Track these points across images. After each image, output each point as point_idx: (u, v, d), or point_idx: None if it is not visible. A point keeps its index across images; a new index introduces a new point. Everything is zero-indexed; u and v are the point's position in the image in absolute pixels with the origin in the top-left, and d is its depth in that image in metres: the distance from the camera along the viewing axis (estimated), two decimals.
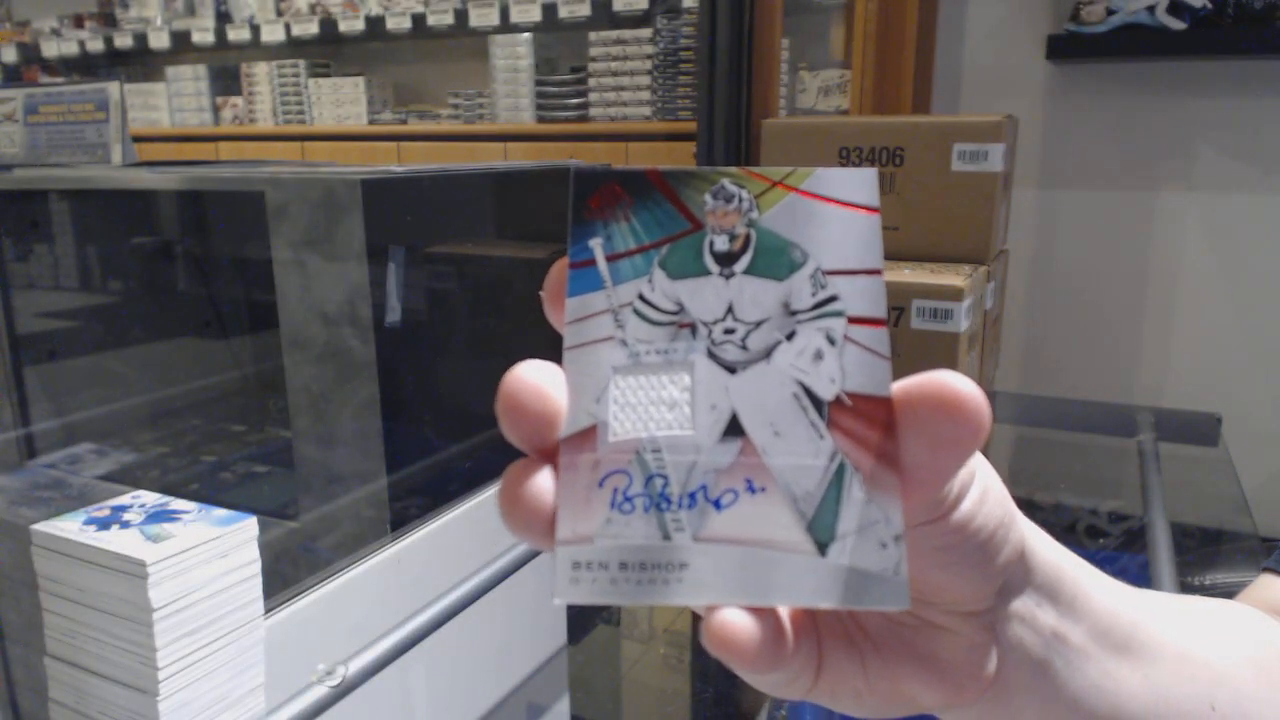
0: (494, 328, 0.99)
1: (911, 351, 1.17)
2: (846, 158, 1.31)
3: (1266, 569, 0.37)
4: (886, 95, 1.90)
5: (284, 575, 0.75)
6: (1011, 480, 0.29)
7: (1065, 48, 1.91)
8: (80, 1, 3.94)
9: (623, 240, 0.23)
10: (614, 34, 2.71)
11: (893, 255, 1.30)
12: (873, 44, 1.87)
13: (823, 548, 0.22)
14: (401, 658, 0.62)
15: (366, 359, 0.81)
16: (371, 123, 3.28)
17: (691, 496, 0.23)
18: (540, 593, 0.87)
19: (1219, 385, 1.95)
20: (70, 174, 1.15)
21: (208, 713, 0.50)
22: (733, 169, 0.23)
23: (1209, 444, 1.33)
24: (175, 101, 3.72)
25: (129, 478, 1.10)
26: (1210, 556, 1.05)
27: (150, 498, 0.53)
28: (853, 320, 0.23)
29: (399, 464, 0.84)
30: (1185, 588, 0.77)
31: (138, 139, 1.25)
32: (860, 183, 0.23)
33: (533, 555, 0.78)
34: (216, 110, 3.65)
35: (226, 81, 3.65)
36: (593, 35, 2.74)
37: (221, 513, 0.52)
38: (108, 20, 3.84)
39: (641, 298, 0.23)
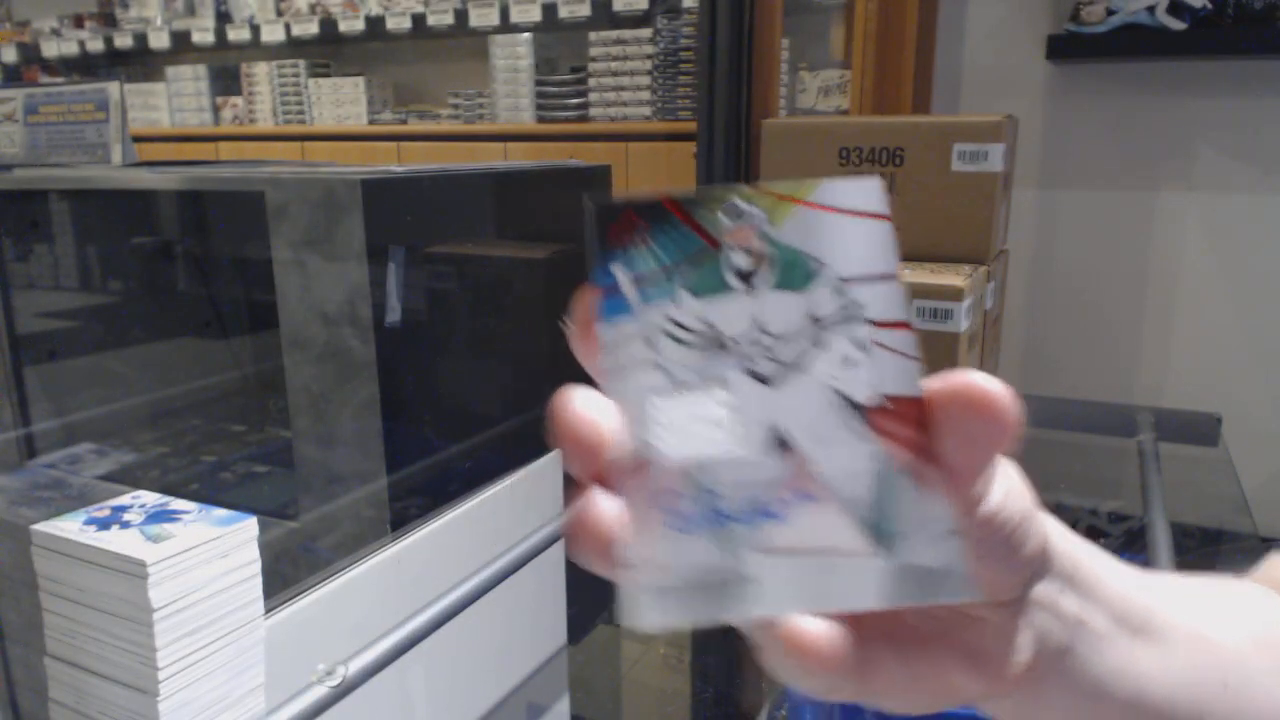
0: (494, 328, 0.99)
1: None
2: (846, 158, 1.31)
3: (1276, 549, 0.38)
4: (886, 95, 1.90)
5: (284, 575, 0.75)
6: None
7: (1065, 48, 1.91)
8: (80, 1, 3.94)
9: (645, 265, 0.24)
10: (614, 34, 2.71)
11: None
12: (873, 44, 1.87)
13: (883, 549, 0.23)
14: (401, 658, 0.62)
15: (366, 359, 0.81)
16: (371, 123, 3.28)
17: (747, 511, 0.23)
18: (540, 593, 0.87)
19: (1219, 385, 1.95)
20: (70, 174, 1.15)
21: (208, 713, 0.50)
22: (741, 186, 0.24)
23: (1209, 444, 1.33)
24: (175, 101, 3.72)
25: (129, 478, 1.10)
26: (1210, 556, 1.05)
27: (150, 498, 0.53)
28: (877, 325, 0.24)
29: (399, 464, 0.84)
30: None
31: (138, 139, 1.25)
32: (867, 192, 0.24)
33: (533, 555, 0.78)
34: (216, 110, 3.65)
35: (226, 81, 3.65)
36: (593, 35, 2.74)
37: (221, 513, 0.52)
38: (108, 20, 3.85)
39: (671, 320, 0.23)
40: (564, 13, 2.82)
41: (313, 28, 3.30)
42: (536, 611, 0.87)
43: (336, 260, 0.81)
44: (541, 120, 2.88)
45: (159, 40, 3.61)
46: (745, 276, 0.24)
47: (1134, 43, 1.84)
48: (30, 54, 4.03)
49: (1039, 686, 0.27)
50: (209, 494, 1.07)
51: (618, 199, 0.23)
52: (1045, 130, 2.02)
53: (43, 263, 1.19)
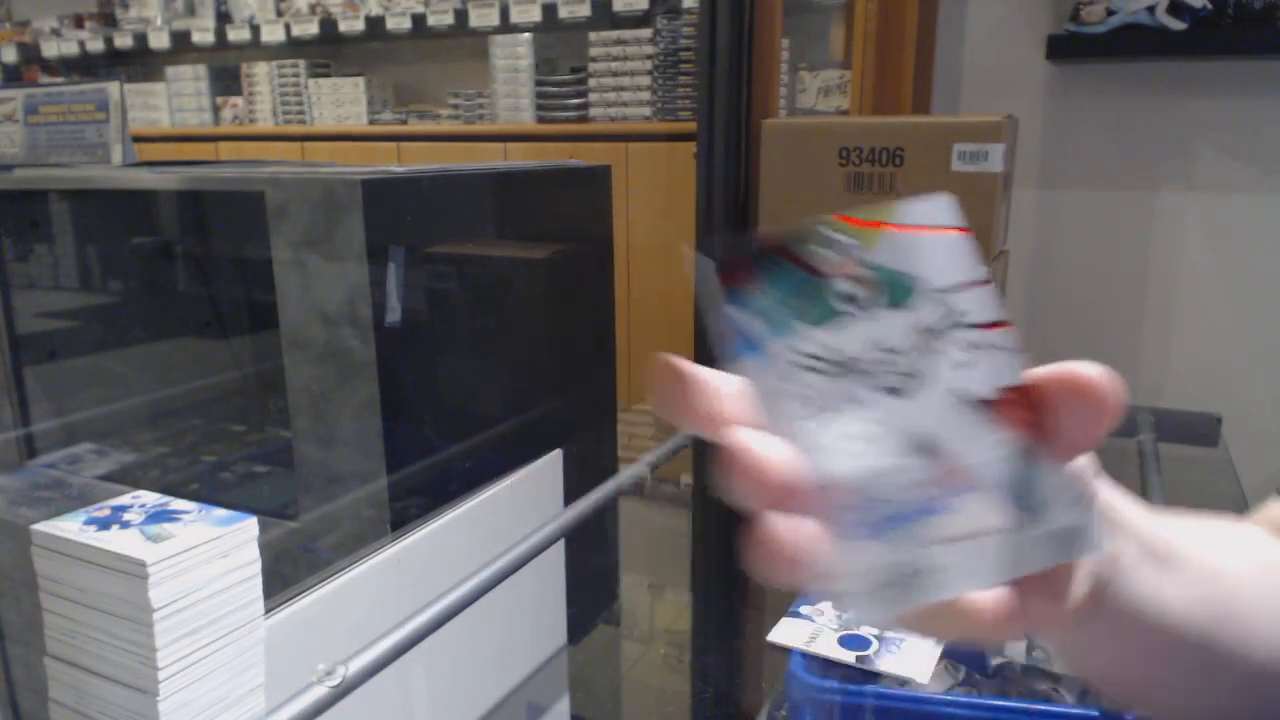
0: (494, 328, 0.99)
1: None
2: (846, 158, 1.31)
3: (1277, 492, 0.43)
4: (886, 95, 1.90)
5: (284, 575, 0.75)
6: None
7: (1065, 48, 1.91)
8: (80, 1, 3.94)
9: (764, 306, 0.26)
10: (614, 34, 2.71)
11: None
12: (873, 44, 1.87)
13: (1029, 520, 0.26)
14: (401, 658, 0.62)
15: (366, 359, 0.81)
16: (371, 123, 3.28)
17: (912, 510, 0.26)
18: (540, 593, 0.87)
19: (1219, 385, 1.95)
20: (70, 174, 1.15)
21: (208, 713, 0.50)
22: (830, 219, 0.26)
23: (1209, 444, 1.33)
24: (175, 101, 3.72)
25: (129, 478, 1.10)
26: None
27: (150, 498, 0.53)
28: (979, 327, 0.26)
29: (399, 464, 0.84)
30: None
31: (138, 139, 1.25)
32: (940, 208, 0.26)
33: (533, 555, 0.78)
34: (216, 110, 3.65)
35: (226, 81, 3.65)
36: (593, 35, 2.73)
37: (221, 513, 0.52)
38: (108, 20, 3.84)
39: (798, 351, 0.26)
40: (564, 13, 2.82)
41: (313, 28, 3.30)
42: (536, 611, 0.87)
43: (336, 260, 0.81)
44: (541, 120, 2.88)
45: (159, 40, 3.61)
46: (854, 301, 0.26)
47: (1134, 43, 1.84)
48: (30, 54, 4.03)
49: (1087, 615, 0.29)
50: (209, 494, 1.07)
51: (728, 250, 0.26)
52: (1045, 130, 2.02)
53: (43, 263, 1.19)
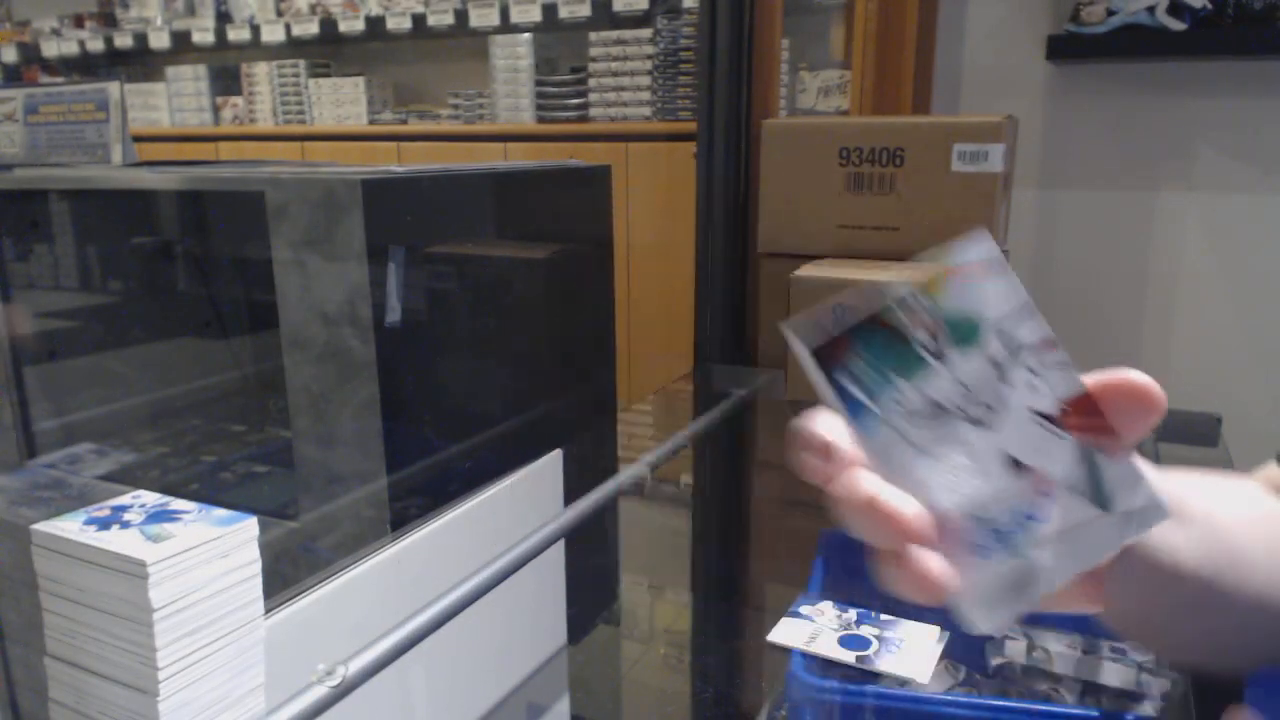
0: (494, 328, 0.99)
1: None
2: (846, 158, 1.31)
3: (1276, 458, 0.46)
4: (886, 95, 1.90)
5: (284, 575, 0.75)
6: None
7: (1065, 48, 1.91)
8: (80, 1, 3.94)
9: (862, 369, 0.30)
10: (614, 34, 2.71)
11: (893, 255, 1.30)
12: (873, 44, 1.87)
13: (1107, 507, 0.31)
14: (401, 658, 0.62)
15: (366, 359, 0.81)
16: (371, 123, 3.28)
17: (1017, 522, 0.31)
18: (540, 593, 0.87)
19: (1219, 385, 1.95)
20: (70, 174, 1.15)
21: (208, 713, 0.50)
22: (896, 280, 0.30)
23: (1209, 444, 1.33)
24: (175, 101, 3.72)
25: (129, 478, 1.10)
26: None
27: (150, 498, 0.53)
28: (1038, 348, 0.31)
29: (399, 464, 0.84)
30: None
31: (138, 139, 1.25)
32: (981, 246, 0.30)
33: (533, 555, 0.78)
34: (216, 110, 3.65)
35: (226, 81, 3.65)
36: (593, 35, 2.73)
37: (222, 513, 0.52)
38: (108, 20, 3.84)
39: (898, 404, 0.30)
40: (564, 13, 2.82)
41: (313, 28, 3.30)
42: (536, 611, 0.87)
43: (336, 260, 0.81)
44: (541, 120, 2.88)
45: (159, 40, 3.61)
46: (934, 350, 0.30)
47: (1134, 43, 1.84)
48: (30, 54, 4.03)
49: (1118, 572, 0.34)
50: (209, 494, 1.07)
51: (819, 330, 0.30)
52: (1045, 130, 2.02)
53: (43, 263, 1.19)
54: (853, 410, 0.30)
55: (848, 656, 0.76)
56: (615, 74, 2.72)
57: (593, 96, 2.78)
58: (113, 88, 1.16)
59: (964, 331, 0.30)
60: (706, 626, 1.14)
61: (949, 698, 0.74)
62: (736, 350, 1.52)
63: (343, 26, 3.23)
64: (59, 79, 3.83)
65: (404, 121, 3.23)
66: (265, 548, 0.52)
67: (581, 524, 0.86)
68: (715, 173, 1.47)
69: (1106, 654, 0.77)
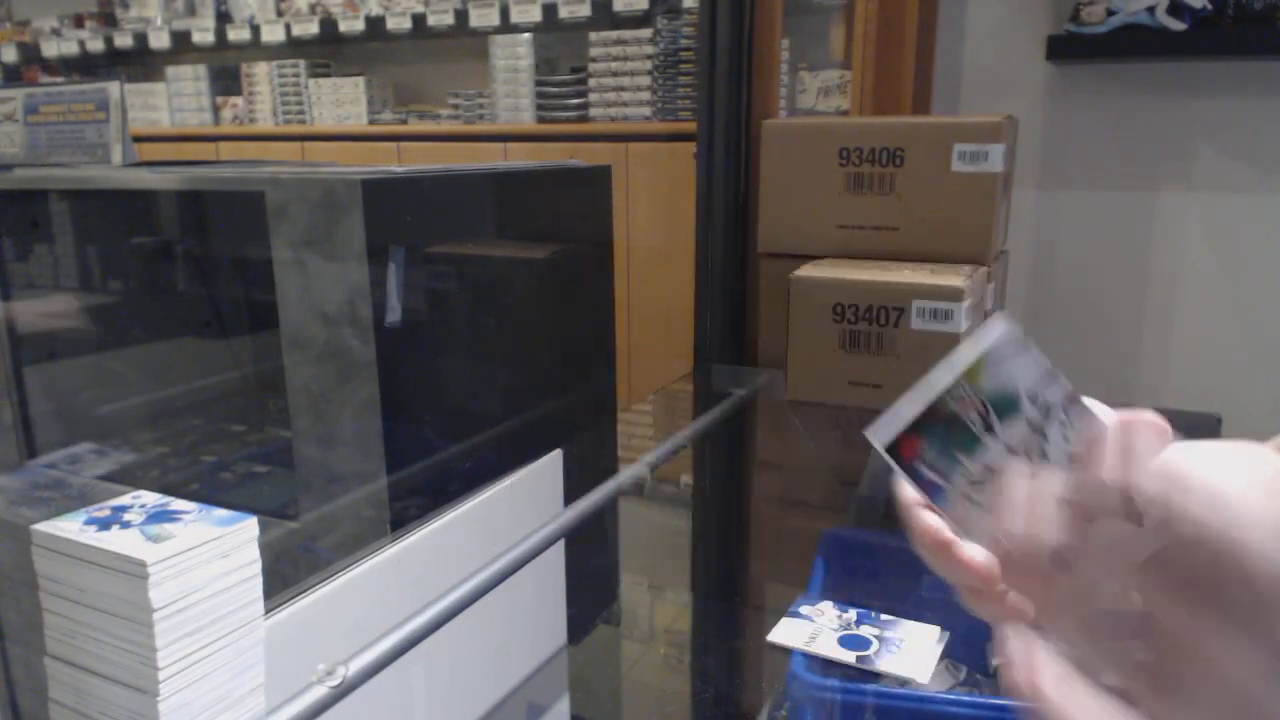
0: (494, 328, 0.99)
1: (912, 352, 1.17)
2: (846, 158, 1.31)
3: None
4: (886, 96, 1.90)
5: (284, 575, 0.75)
6: None
7: (1065, 48, 1.91)
8: (80, 1, 3.94)
9: (934, 458, 0.36)
10: (614, 34, 2.71)
11: (893, 256, 1.30)
12: (873, 44, 1.87)
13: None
14: (401, 658, 0.62)
15: (366, 359, 0.81)
16: (371, 123, 3.28)
17: None
18: (540, 593, 0.87)
19: (1219, 385, 1.95)
20: (70, 174, 1.15)
21: (208, 713, 0.50)
22: (944, 374, 0.36)
23: None
24: (175, 101, 3.72)
25: (129, 478, 1.10)
26: None
27: (150, 498, 0.53)
28: (1065, 403, 0.35)
29: (399, 464, 0.84)
30: None
31: (138, 139, 1.25)
32: (999, 326, 0.35)
33: (533, 555, 0.78)
34: (216, 110, 3.65)
35: (226, 81, 3.65)
36: (593, 35, 2.73)
37: (222, 513, 0.52)
38: (108, 20, 3.84)
39: (967, 480, 0.36)
40: (564, 13, 2.82)
41: (313, 28, 3.30)
42: (536, 611, 0.87)
43: (336, 260, 0.81)
44: (541, 120, 2.88)
45: (159, 40, 3.61)
46: (986, 427, 0.36)
47: (1134, 43, 1.84)
48: (30, 54, 4.03)
49: None
50: (209, 494, 1.07)
51: (891, 427, 0.36)
52: (1045, 130, 2.02)
53: (43, 263, 1.19)
54: (932, 492, 0.36)
55: (848, 656, 0.76)
56: (615, 74, 2.72)
57: (593, 96, 2.78)
58: (113, 88, 1.16)
59: (1005, 405, 0.36)
60: (706, 626, 1.14)
61: (950, 696, 0.74)
62: (736, 350, 1.52)
63: (343, 26, 3.23)
64: (59, 79, 3.83)
65: (404, 121, 3.23)
66: (265, 548, 0.52)
67: (581, 524, 0.86)
68: (715, 173, 1.47)
69: None
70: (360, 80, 3.28)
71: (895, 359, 1.18)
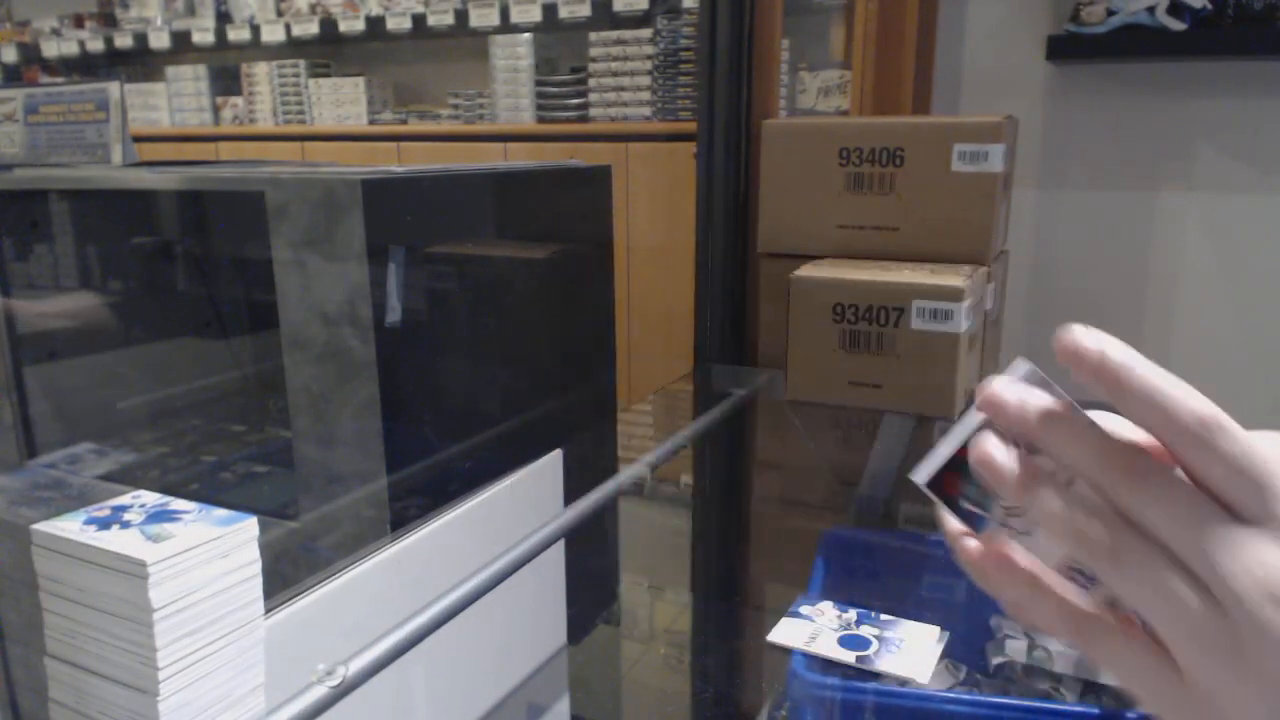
0: (494, 328, 0.99)
1: (911, 352, 1.17)
2: (846, 158, 1.31)
3: None
4: (886, 96, 1.90)
5: (284, 575, 0.75)
6: None
7: (1065, 48, 1.91)
8: (80, 1, 3.94)
9: (973, 493, 0.40)
10: (614, 34, 2.71)
11: (893, 256, 1.30)
12: (873, 44, 1.87)
13: None
14: (401, 658, 0.62)
15: (366, 359, 0.81)
16: (371, 123, 3.28)
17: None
18: (540, 593, 0.87)
19: (1219, 385, 1.94)
20: (70, 174, 1.15)
21: (208, 713, 0.50)
22: (975, 415, 0.39)
23: None
24: (175, 101, 3.72)
25: (129, 478, 1.10)
26: None
27: (150, 498, 0.53)
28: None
29: (399, 464, 0.84)
30: None
31: (138, 139, 1.25)
32: (1019, 365, 0.39)
33: (533, 555, 0.78)
34: (216, 110, 3.65)
35: (226, 81, 3.65)
36: (593, 35, 2.74)
37: (222, 513, 0.52)
38: (108, 20, 3.85)
39: (1001, 507, 0.39)
40: (564, 13, 2.82)
41: (313, 28, 3.30)
42: (536, 611, 0.87)
43: (336, 260, 0.81)
44: (541, 120, 2.88)
45: (159, 40, 3.62)
46: None
47: (1134, 43, 1.84)
48: (30, 54, 4.03)
49: None
50: (209, 494, 1.07)
51: (932, 465, 0.40)
52: (1045, 130, 2.02)
53: (43, 263, 1.19)
54: (974, 523, 0.40)
55: (848, 656, 0.76)
56: (615, 74, 2.72)
57: (593, 96, 2.78)
58: (113, 88, 1.16)
59: None
60: (706, 626, 1.14)
61: (949, 694, 0.74)
62: (736, 350, 1.52)
63: (343, 26, 3.23)
64: (59, 79, 3.83)
65: (404, 121, 3.23)
66: (265, 548, 0.52)
67: (581, 524, 0.86)
68: (715, 173, 1.47)
69: None
70: (360, 80, 3.28)
71: (895, 359, 1.18)
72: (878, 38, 1.86)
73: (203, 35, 3.53)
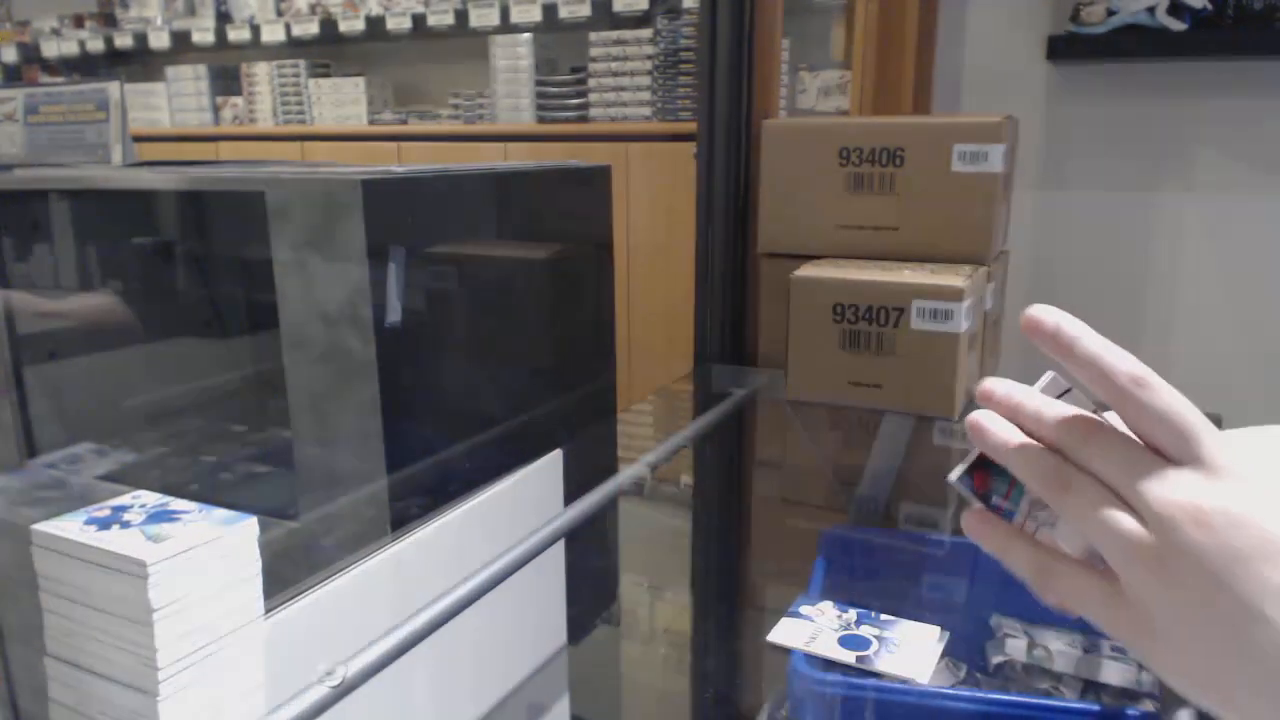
0: (494, 328, 0.99)
1: (911, 352, 1.17)
2: (846, 158, 1.31)
3: None
4: (886, 96, 1.90)
5: (284, 575, 0.75)
6: None
7: (1065, 48, 1.91)
8: (80, 1, 3.94)
9: (1000, 487, 0.45)
10: (614, 34, 2.71)
11: (893, 256, 1.30)
12: (873, 45, 1.87)
13: None
14: (402, 658, 0.62)
15: (366, 359, 0.81)
16: (371, 123, 3.28)
17: None
18: (540, 593, 0.87)
19: (1219, 385, 1.95)
20: (70, 174, 1.15)
21: (208, 713, 0.50)
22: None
23: None
24: (175, 101, 3.72)
25: (129, 478, 1.10)
26: None
27: (150, 498, 0.53)
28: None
29: (399, 464, 0.84)
30: None
31: (138, 139, 1.25)
32: (1046, 375, 0.45)
33: (533, 555, 0.78)
34: (216, 110, 3.66)
35: (226, 81, 3.65)
36: (593, 35, 2.74)
37: (222, 513, 0.52)
38: (108, 20, 3.85)
39: (1030, 503, 0.44)
40: (564, 13, 2.83)
41: (313, 28, 3.30)
42: (536, 611, 0.87)
43: (336, 260, 0.81)
44: (541, 121, 2.88)
45: (159, 40, 3.62)
46: None
47: (1134, 43, 1.84)
48: (30, 54, 4.03)
49: None
50: (209, 494, 1.07)
51: (966, 465, 0.45)
52: (1045, 130, 2.02)
53: (43, 263, 1.19)
54: (1006, 516, 0.44)
55: (848, 656, 0.76)
56: (615, 74, 2.72)
57: (593, 97, 2.78)
58: (113, 88, 1.16)
59: None
60: (706, 626, 1.14)
61: (949, 691, 0.74)
62: (736, 350, 1.52)
63: (343, 26, 3.23)
64: (59, 79, 3.83)
65: (404, 122, 3.23)
66: (265, 548, 0.53)
67: (581, 524, 0.86)
68: (715, 173, 1.47)
69: (1107, 652, 0.77)
70: (360, 80, 3.28)
71: (895, 359, 1.18)
72: (878, 38, 1.86)
73: (203, 35, 3.53)
